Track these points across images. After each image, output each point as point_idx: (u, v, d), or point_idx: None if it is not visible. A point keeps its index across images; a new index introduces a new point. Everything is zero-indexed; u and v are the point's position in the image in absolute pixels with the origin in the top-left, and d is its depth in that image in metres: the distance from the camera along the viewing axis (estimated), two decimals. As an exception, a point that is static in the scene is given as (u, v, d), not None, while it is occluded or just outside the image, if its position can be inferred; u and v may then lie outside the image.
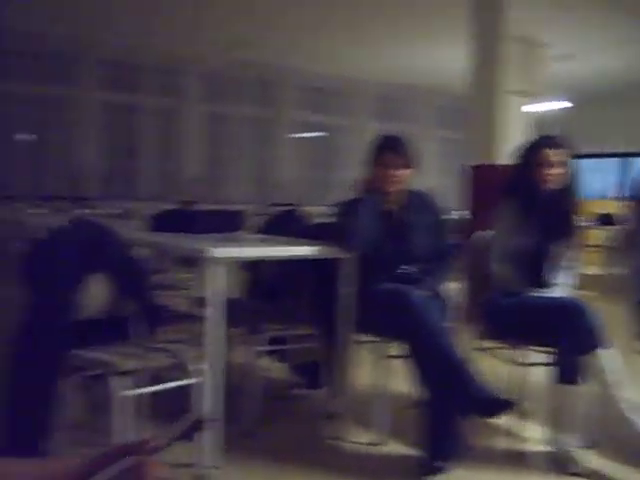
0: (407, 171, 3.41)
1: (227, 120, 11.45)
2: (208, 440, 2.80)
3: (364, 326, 3.23)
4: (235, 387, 3.63)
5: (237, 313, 3.56)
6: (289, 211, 4.38)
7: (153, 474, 1.03)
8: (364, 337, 3.29)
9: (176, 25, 8.93)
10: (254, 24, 8.70)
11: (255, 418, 3.31)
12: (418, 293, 3.06)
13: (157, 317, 3.04)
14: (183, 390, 2.77)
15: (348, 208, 3.35)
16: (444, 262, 3.45)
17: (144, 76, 10.59)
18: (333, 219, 3.50)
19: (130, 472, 1.02)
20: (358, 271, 3.21)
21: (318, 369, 3.81)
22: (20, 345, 2.71)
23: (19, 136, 9.83)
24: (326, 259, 3.23)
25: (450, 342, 2.94)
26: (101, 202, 8.29)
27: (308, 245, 3.20)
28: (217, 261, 2.78)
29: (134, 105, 10.66)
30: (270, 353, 3.86)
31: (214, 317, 2.79)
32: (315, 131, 12.50)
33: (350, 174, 7.03)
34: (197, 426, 1.23)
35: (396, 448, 3.23)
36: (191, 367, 2.73)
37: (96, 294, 2.85)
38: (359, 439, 3.32)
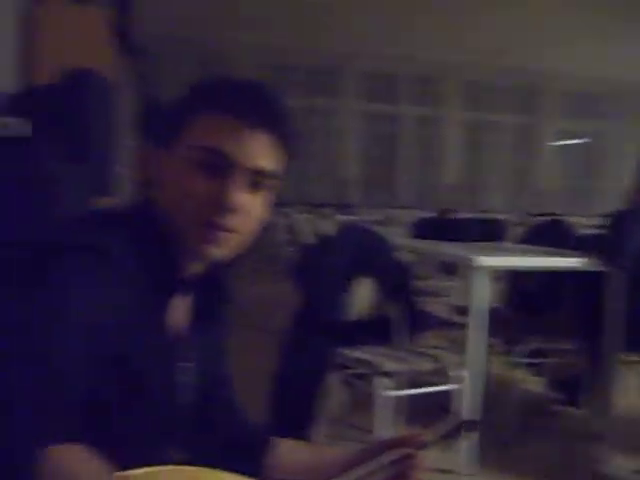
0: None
1: (486, 127, 11.37)
2: (464, 447, 2.85)
3: (635, 345, 3.05)
4: (492, 397, 3.63)
5: (497, 323, 3.56)
6: (554, 221, 4.27)
7: (421, 467, 1.10)
8: (634, 357, 3.12)
9: (435, 35, 9.07)
10: (518, 30, 8.56)
11: (511, 430, 3.28)
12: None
13: (420, 322, 3.15)
14: (439, 395, 2.84)
15: (619, 221, 3.19)
16: None
17: (403, 86, 10.90)
18: (602, 231, 3.36)
19: (399, 463, 1.09)
20: (627, 286, 3.05)
21: (578, 386, 3.68)
22: (290, 340, 2.97)
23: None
24: (591, 271, 3.11)
25: None
26: (362, 209, 8.66)
27: (574, 257, 3.10)
28: (483, 270, 2.81)
29: (393, 114, 11.01)
30: (528, 366, 3.80)
31: (477, 325, 2.82)
32: (577, 138, 11.94)
33: (617, 183, 6.64)
34: (462, 427, 1.28)
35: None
36: (451, 373, 2.79)
37: (363, 296, 3.02)
38: (622, 465, 3.14)
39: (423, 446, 1.14)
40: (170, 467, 0.88)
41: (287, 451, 1.27)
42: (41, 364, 0.80)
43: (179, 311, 1.05)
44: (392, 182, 10.98)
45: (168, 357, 1.02)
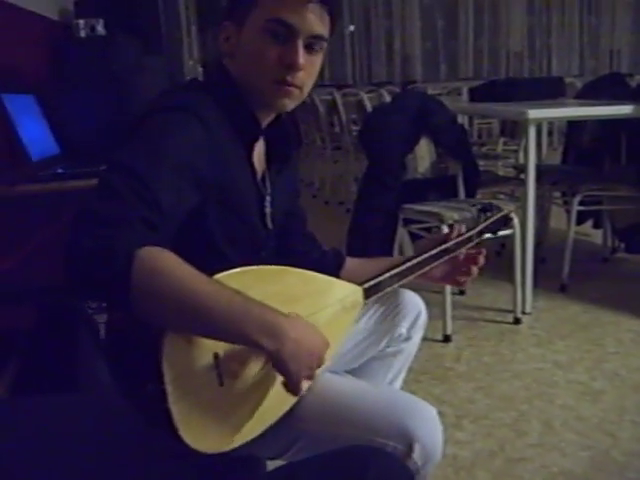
0: None
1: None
2: (523, 291, 3.14)
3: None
4: (553, 247, 3.86)
5: (554, 177, 3.74)
6: (612, 74, 4.30)
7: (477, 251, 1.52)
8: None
9: None
10: None
11: (569, 275, 3.51)
12: None
13: (478, 178, 3.36)
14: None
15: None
16: None
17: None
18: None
19: (455, 250, 1.48)
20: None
21: (638, 233, 3.82)
22: (360, 201, 3.26)
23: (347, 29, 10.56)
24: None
25: None
26: (426, 84, 8.70)
27: (628, 104, 3.15)
28: (536, 122, 2.94)
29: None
30: (587, 216, 3.97)
31: (531, 177, 3.00)
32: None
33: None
34: (504, 220, 1.60)
35: None
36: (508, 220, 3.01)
37: (424, 156, 3.25)
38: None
39: (469, 238, 1.52)
40: (256, 267, 1.18)
41: (358, 263, 1.59)
42: (147, 191, 1.00)
43: (259, 154, 1.34)
44: (454, 55, 10.85)
45: (256, 188, 1.32)
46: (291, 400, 1.19)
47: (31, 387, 1.85)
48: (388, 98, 5.80)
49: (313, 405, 1.22)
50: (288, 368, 1.01)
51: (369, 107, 5.10)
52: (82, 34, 3.02)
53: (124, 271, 0.90)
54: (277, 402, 1.16)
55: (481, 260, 1.52)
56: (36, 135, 2.56)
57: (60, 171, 2.37)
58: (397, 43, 10.65)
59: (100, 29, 3.02)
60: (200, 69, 6.36)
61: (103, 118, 2.79)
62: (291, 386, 1.04)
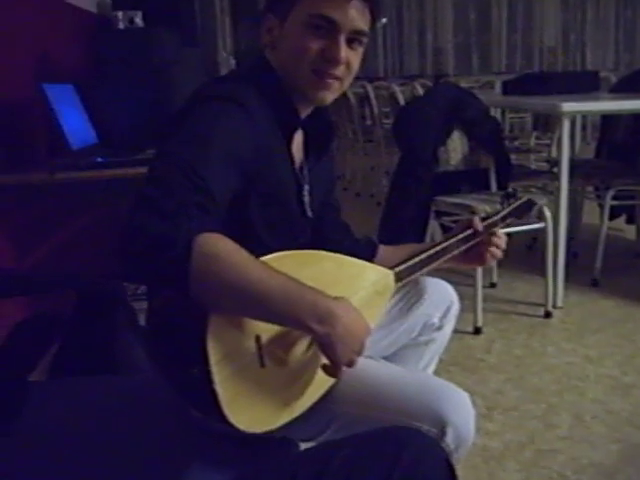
0: None
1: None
2: (554, 285, 3.14)
3: None
4: (585, 242, 3.85)
5: (587, 172, 3.72)
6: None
7: (500, 235, 1.56)
8: None
9: None
10: None
11: (601, 270, 3.49)
12: None
13: (510, 171, 3.36)
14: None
15: None
16: None
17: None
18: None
19: (480, 235, 1.51)
20: None
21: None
22: (392, 193, 3.28)
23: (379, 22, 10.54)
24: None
25: None
26: (458, 77, 8.67)
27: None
28: (570, 115, 2.94)
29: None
30: (620, 212, 3.94)
31: (564, 170, 3.00)
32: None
33: None
34: (528, 206, 1.64)
35: None
36: (540, 213, 3.01)
37: (457, 149, 3.25)
38: None
39: (493, 224, 1.57)
40: (294, 251, 1.21)
41: (390, 250, 1.62)
42: (197, 178, 1.03)
43: (298, 144, 1.37)
44: (488, 49, 10.78)
45: (295, 177, 1.35)
46: (329, 383, 1.22)
47: (69, 372, 1.90)
48: (421, 91, 5.80)
49: (349, 388, 1.25)
50: (335, 352, 1.04)
51: (401, 100, 5.11)
52: (121, 26, 3.08)
53: (184, 256, 0.94)
54: (316, 385, 1.20)
55: (502, 243, 1.55)
56: (76, 124, 2.62)
57: (100, 160, 2.42)
58: (429, 36, 10.61)
59: (138, 21, 3.07)
60: (233, 61, 6.40)
61: (140, 109, 2.84)
62: (335, 369, 1.08)
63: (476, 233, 1.53)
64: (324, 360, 1.09)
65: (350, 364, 1.09)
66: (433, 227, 3.23)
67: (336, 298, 1.07)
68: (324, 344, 1.04)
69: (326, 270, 1.25)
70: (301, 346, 1.14)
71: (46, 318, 1.84)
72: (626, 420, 2.24)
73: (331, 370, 1.08)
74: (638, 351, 2.77)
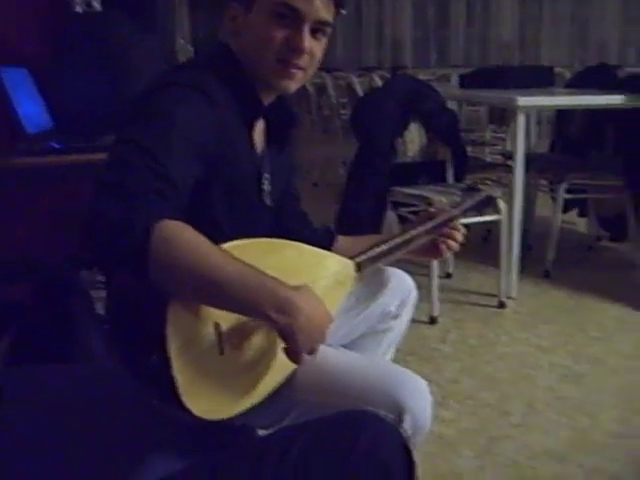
0: None
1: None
2: (508, 275, 3.20)
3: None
4: (538, 234, 3.92)
5: (543, 164, 3.79)
6: (600, 65, 4.34)
7: (459, 228, 1.57)
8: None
9: None
10: None
11: (553, 262, 3.57)
12: None
13: (467, 163, 3.40)
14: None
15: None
16: None
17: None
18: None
19: (440, 228, 1.53)
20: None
21: (622, 222, 3.86)
22: (350, 183, 3.29)
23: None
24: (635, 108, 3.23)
25: None
26: (415, 70, 8.72)
27: (617, 94, 3.20)
28: (525, 109, 2.99)
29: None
30: (572, 205, 4.01)
31: (519, 163, 3.04)
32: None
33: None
34: (486, 202, 1.66)
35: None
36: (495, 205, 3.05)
37: (414, 140, 3.28)
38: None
39: (454, 217, 1.58)
40: (255, 239, 1.21)
41: (349, 240, 1.63)
42: (158, 164, 1.03)
43: (259, 132, 1.37)
44: (446, 42, 10.87)
45: (255, 165, 1.34)
46: (288, 370, 1.23)
47: (25, 359, 1.88)
48: (379, 82, 5.81)
49: (308, 375, 1.26)
50: (297, 342, 1.05)
51: (359, 91, 5.12)
52: (78, 9, 3.02)
53: (143, 242, 0.94)
54: (275, 372, 1.20)
55: (459, 236, 1.57)
56: (31, 108, 2.57)
57: (56, 145, 2.38)
58: (388, 29, 10.65)
59: (96, 5, 3.02)
60: (191, 49, 6.33)
61: (97, 93, 2.79)
62: (295, 358, 1.08)
63: (435, 227, 1.54)
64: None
65: (311, 352, 1.10)
66: (390, 218, 3.25)
67: (297, 287, 1.07)
68: (285, 334, 1.04)
69: (288, 258, 1.26)
70: (260, 334, 1.15)
71: (1, 305, 1.82)
72: (577, 407, 2.30)
73: (292, 356, 1.09)
74: (589, 341, 2.84)
